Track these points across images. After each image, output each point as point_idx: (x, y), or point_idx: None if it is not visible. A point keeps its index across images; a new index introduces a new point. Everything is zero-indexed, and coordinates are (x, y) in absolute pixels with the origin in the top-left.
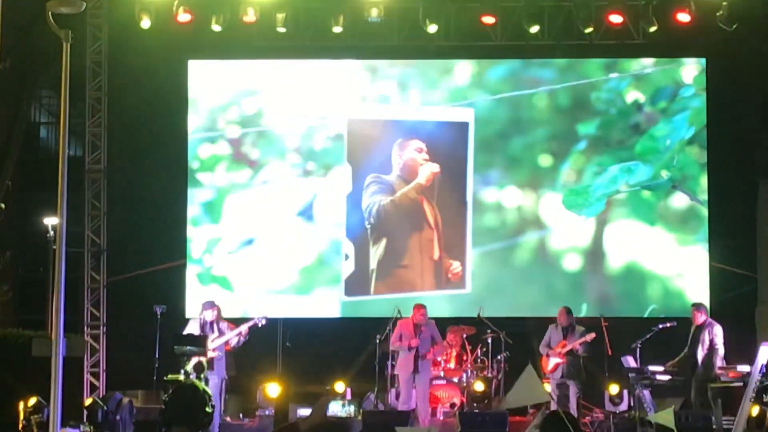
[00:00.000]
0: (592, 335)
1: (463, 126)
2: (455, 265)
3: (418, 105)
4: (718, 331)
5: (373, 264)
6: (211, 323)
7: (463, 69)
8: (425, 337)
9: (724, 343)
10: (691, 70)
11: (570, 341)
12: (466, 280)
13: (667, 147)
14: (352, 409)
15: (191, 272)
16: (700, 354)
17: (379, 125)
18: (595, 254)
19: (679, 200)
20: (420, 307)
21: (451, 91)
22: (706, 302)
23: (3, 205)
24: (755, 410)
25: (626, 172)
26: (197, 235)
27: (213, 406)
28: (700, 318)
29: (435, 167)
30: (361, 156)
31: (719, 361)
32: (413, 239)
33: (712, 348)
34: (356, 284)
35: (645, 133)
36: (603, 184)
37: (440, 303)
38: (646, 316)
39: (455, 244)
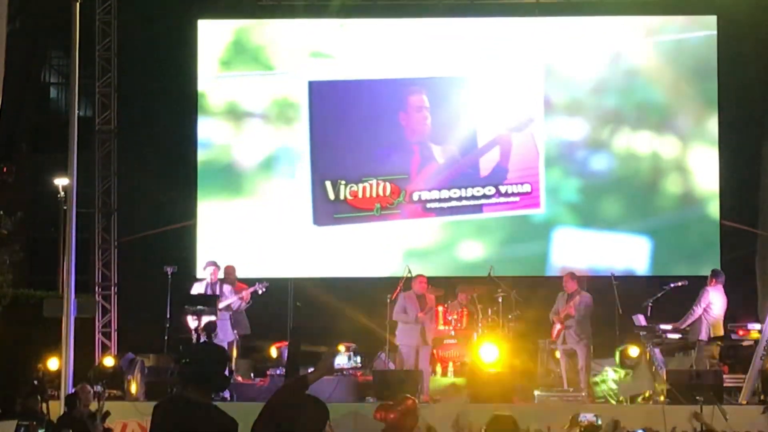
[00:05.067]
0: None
1: None
2: None
3: None
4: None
5: None
6: (214, 284)
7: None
8: (430, 306)
9: (734, 300)
10: None
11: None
12: None
13: None
14: (358, 360)
15: (206, 230)
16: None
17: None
18: None
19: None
20: (423, 278)
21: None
22: (718, 259)
23: (14, 166)
24: None
25: None
26: (211, 194)
27: (231, 370)
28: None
29: None
30: None
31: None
32: None
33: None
34: None
35: None
36: None
37: None
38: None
39: None
